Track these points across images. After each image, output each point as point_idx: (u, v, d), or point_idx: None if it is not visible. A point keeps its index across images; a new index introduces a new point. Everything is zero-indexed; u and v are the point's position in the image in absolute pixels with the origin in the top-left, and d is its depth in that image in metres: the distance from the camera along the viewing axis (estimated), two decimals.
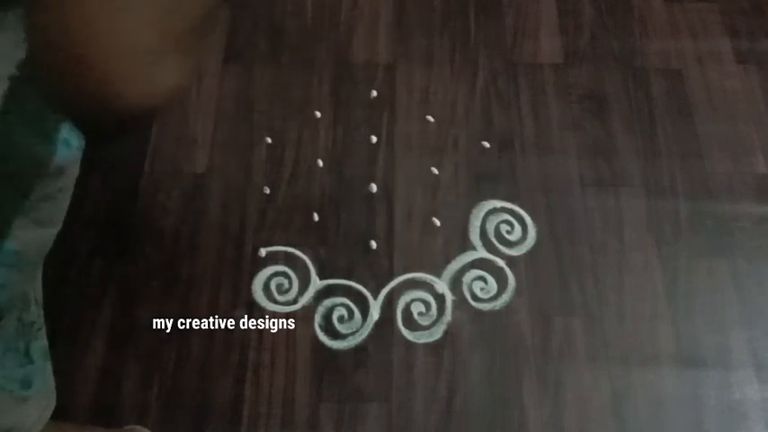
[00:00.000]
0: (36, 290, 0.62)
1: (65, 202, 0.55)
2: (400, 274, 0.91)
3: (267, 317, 0.88)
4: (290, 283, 0.90)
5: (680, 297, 0.89)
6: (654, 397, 0.83)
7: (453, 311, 0.88)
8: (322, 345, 0.86)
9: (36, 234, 0.52)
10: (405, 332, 0.87)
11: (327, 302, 0.89)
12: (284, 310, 0.88)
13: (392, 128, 1.01)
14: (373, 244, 0.92)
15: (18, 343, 0.60)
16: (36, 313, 0.62)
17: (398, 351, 0.86)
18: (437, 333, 0.87)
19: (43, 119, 0.47)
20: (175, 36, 0.35)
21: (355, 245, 0.92)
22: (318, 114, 1.02)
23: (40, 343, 0.63)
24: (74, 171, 0.54)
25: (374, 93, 1.04)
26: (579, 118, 1.02)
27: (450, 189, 0.97)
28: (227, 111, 1.03)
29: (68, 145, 0.49)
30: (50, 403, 0.65)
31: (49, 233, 0.54)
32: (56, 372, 0.67)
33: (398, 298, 0.89)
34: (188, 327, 0.87)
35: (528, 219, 0.94)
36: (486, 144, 1.00)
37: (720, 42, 1.08)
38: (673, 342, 0.86)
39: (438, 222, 0.94)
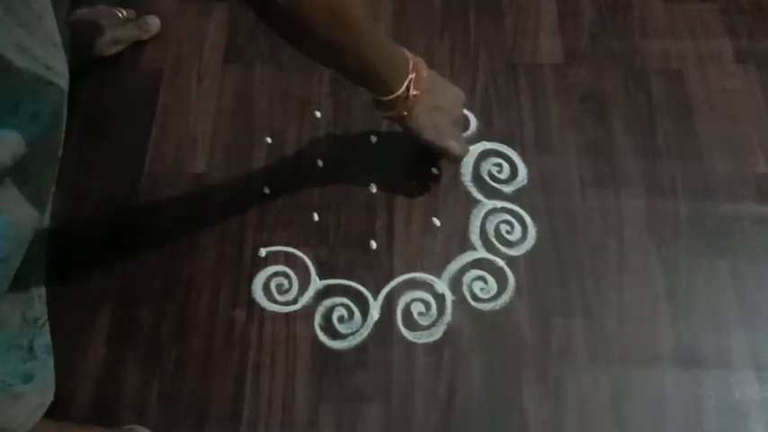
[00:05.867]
0: (39, 286, 0.62)
1: (49, 177, 0.55)
2: (400, 274, 0.91)
3: (267, 317, 0.88)
4: (290, 283, 0.90)
5: (680, 297, 0.89)
6: (654, 397, 0.83)
7: (453, 311, 0.88)
8: (322, 345, 0.86)
9: (27, 210, 0.52)
10: (405, 332, 0.87)
11: (327, 302, 0.89)
12: (284, 310, 0.88)
13: (392, 128, 1.01)
14: (373, 244, 0.92)
15: (22, 339, 0.60)
16: (40, 309, 0.62)
17: (398, 351, 0.86)
18: (437, 333, 0.87)
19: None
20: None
21: (355, 245, 0.92)
22: (318, 114, 1.02)
23: (44, 339, 0.63)
24: (52, 144, 0.54)
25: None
26: (579, 118, 1.02)
27: (450, 189, 0.97)
28: (227, 111, 1.03)
29: (36, 119, 0.49)
30: (45, 401, 0.65)
31: (38, 212, 0.54)
32: (56, 371, 0.67)
33: (398, 298, 0.89)
34: (188, 326, 0.87)
35: (528, 219, 0.94)
36: (486, 144, 1.00)
37: (720, 42, 1.08)
38: (673, 342, 0.86)
39: (438, 222, 0.94)
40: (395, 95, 0.79)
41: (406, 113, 0.82)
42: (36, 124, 0.49)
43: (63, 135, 0.55)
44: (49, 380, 0.66)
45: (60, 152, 0.56)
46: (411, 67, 0.79)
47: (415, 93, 0.79)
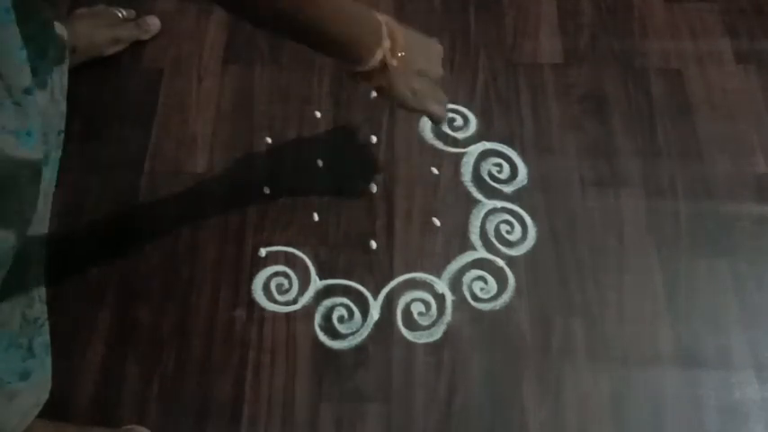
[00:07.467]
0: (39, 286, 0.62)
1: (40, 199, 0.55)
2: (400, 274, 0.91)
3: (267, 317, 0.88)
4: (290, 283, 0.90)
5: (680, 297, 0.89)
6: (654, 397, 0.83)
7: (453, 311, 0.88)
8: (322, 345, 0.86)
9: (2, 234, 0.52)
10: (405, 332, 0.87)
11: (327, 302, 0.89)
12: (284, 310, 0.88)
13: (392, 128, 1.01)
14: (373, 244, 0.92)
15: (21, 338, 0.60)
16: (40, 309, 0.62)
17: (398, 351, 0.86)
18: (437, 333, 0.87)
19: None
20: None
21: (355, 245, 0.92)
22: (318, 114, 1.02)
23: (44, 338, 0.63)
24: (49, 167, 0.54)
25: (374, 93, 1.03)
26: (579, 118, 1.02)
27: (450, 189, 0.97)
28: (227, 111, 1.03)
29: (29, 136, 0.49)
30: (40, 400, 0.65)
31: (14, 235, 0.53)
32: (55, 371, 0.67)
33: (398, 298, 0.89)
34: (188, 326, 0.87)
35: (528, 219, 0.94)
36: (486, 144, 1.00)
37: (720, 42, 1.08)
38: (673, 342, 0.86)
39: (438, 222, 0.94)
40: (370, 66, 0.73)
41: (385, 85, 0.77)
42: (29, 143, 0.49)
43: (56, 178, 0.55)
44: (46, 379, 0.66)
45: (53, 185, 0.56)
46: (385, 33, 0.74)
47: (393, 63, 0.74)
